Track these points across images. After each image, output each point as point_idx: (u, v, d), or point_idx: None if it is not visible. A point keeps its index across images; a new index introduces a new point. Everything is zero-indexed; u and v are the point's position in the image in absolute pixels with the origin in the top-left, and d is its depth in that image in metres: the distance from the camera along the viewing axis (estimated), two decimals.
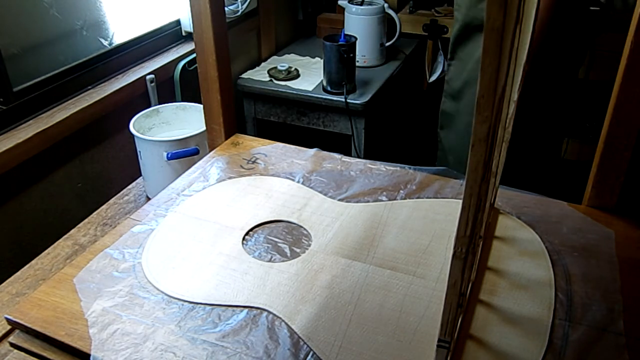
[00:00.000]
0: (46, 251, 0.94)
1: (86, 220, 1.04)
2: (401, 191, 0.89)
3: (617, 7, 1.88)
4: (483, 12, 1.37)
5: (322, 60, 1.72)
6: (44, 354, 0.66)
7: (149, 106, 1.26)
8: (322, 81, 1.76)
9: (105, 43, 1.42)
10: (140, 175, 1.13)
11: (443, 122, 1.49)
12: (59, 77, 1.27)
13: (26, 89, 1.20)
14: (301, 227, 0.82)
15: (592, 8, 1.35)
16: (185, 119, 1.18)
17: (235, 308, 0.68)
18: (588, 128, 2.03)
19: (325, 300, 0.68)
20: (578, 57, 1.34)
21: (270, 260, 0.76)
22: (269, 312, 0.67)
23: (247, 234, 0.81)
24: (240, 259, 0.76)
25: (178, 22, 1.63)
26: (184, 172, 0.97)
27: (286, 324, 0.65)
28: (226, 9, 1.60)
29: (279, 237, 0.80)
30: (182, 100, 1.48)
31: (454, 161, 1.45)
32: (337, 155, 0.99)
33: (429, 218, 0.82)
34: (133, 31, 1.49)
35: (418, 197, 0.87)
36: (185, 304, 0.69)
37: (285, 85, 1.78)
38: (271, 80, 1.82)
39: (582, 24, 1.29)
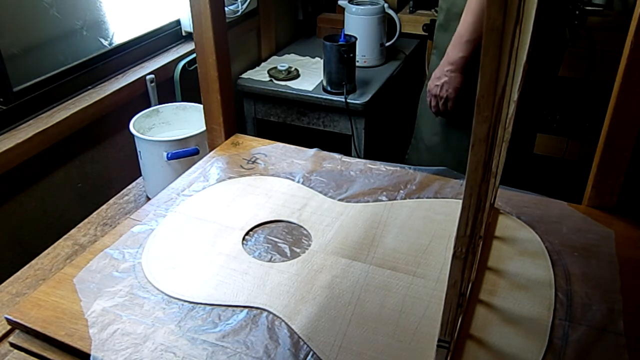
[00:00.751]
0: (46, 251, 0.94)
1: (86, 220, 1.04)
2: (401, 191, 0.89)
3: (616, 9, 1.88)
4: None
5: (322, 60, 1.72)
6: (44, 354, 0.66)
7: (149, 106, 1.26)
8: (322, 81, 1.76)
9: (105, 43, 1.42)
10: (140, 175, 1.13)
11: (421, 109, 1.50)
12: (59, 77, 1.27)
13: (26, 89, 1.20)
14: (301, 227, 0.82)
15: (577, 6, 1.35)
16: (185, 119, 1.18)
17: (235, 308, 0.68)
18: (588, 128, 2.03)
19: (325, 300, 0.68)
20: (555, 56, 1.35)
21: (270, 260, 0.76)
22: (269, 312, 0.67)
23: (247, 234, 0.81)
24: (240, 259, 0.76)
25: (178, 22, 1.63)
26: (184, 172, 0.97)
27: (286, 324, 0.65)
28: (226, 9, 1.60)
29: (279, 237, 0.80)
30: (182, 100, 1.48)
31: (424, 148, 1.46)
32: (337, 155, 0.99)
33: (429, 218, 0.82)
34: (133, 31, 1.49)
35: (418, 197, 0.87)
36: (185, 304, 0.69)
37: (285, 85, 1.78)
38: (271, 80, 1.82)
39: (560, 22, 1.30)
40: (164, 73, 1.50)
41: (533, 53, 1.19)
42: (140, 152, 1.09)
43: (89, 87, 1.34)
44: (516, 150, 1.41)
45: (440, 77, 1.29)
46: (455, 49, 1.24)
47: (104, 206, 1.08)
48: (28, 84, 1.20)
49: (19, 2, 1.20)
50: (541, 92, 1.38)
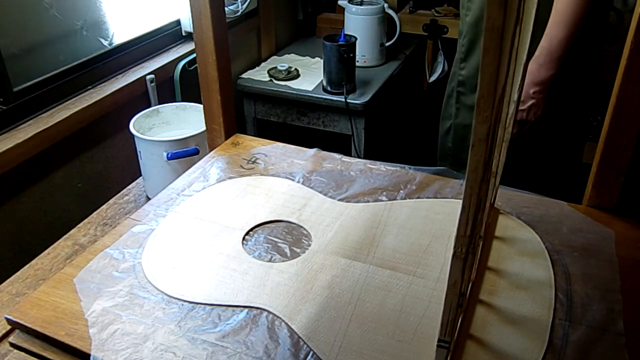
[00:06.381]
0: (46, 251, 0.94)
1: (86, 220, 1.04)
2: (401, 191, 0.89)
3: (616, 8, 1.88)
4: None
5: (322, 60, 1.73)
6: (44, 354, 0.66)
7: (149, 106, 1.26)
8: (322, 81, 1.76)
9: (105, 43, 1.42)
10: (140, 175, 1.13)
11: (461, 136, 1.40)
12: (59, 77, 1.27)
13: (26, 89, 1.20)
14: (301, 227, 0.82)
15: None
16: (185, 119, 1.18)
17: (235, 308, 0.68)
18: (588, 128, 2.03)
19: (325, 300, 0.68)
20: (599, 60, 1.31)
21: (270, 260, 0.76)
22: (269, 312, 0.67)
23: (247, 234, 0.81)
24: (240, 259, 0.76)
25: (178, 22, 1.63)
26: (184, 172, 0.97)
27: (286, 324, 0.65)
28: (226, 9, 1.60)
29: (279, 237, 0.80)
30: (182, 100, 1.48)
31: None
32: (337, 155, 0.99)
33: (429, 218, 0.82)
34: (133, 31, 1.50)
35: (418, 197, 0.87)
36: (185, 304, 0.69)
37: (285, 85, 1.78)
38: (271, 80, 1.82)
39: (605, 23, 1.27)
40: (164, 73, 1.50)
41: (573, 57, 1.15)
42: (140, 152, 1.09)
43: (89, 87, 1.34)
44: (564, 160, 1.37)
45: (525, 101, 1.19)
46: (543, 68, 1.15)
47: (104, 206, 1.08)
48: (28, 84, 1.20)
49: (19, 2, 1.20)
50: (587, 95, 1.31)
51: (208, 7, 0.91)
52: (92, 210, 1.07)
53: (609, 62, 1.29)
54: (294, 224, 0.83)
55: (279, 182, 0.92)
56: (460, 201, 0.45)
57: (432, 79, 2.12)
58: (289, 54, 2.04)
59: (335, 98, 1.70)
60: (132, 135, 1.07)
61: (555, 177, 1.37)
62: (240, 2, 1.73)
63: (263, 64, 1.95)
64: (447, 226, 0.80)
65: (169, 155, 1.04)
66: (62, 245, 0.96)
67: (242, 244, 0.79)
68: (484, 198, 0.54)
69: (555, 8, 1.13)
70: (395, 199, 0.87)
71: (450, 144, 1.44)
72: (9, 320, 0.68)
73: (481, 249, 0.74)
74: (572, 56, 1.15)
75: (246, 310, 0.68)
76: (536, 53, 1.15)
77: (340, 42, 1.66)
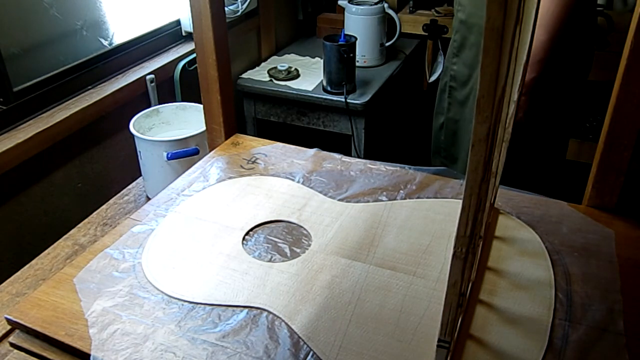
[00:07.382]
0: (46, 251, 0.94)
1: (86, 220, 1.04)
2: (401, 191, 0.89)
3: (616, 9, 1.88)
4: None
5: (322, 60, 1.72)
6: (44, 354, 0.66)
7: (149, 106, 1.26)
8: (322, 81, 1.76)
9: (105, 43, 1.42)
10: (140, 175, 1.13)
11: (461, 126, 1.43)
12: (59, 77, 1.27)
13: (26, 89, 1.20)
14: (301, 227, 0.82)
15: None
16: (185, 119, 1.19)
17: (235, 308, 0.68)
18: (588, 128, 2.03)
19: (325, 300, 0.68)
20: (588, 60, 1.32)
21: (270, 260, 0.76)
22: (269, 312, 0.67)
23: (247, 234, 0.81)
24: (240, 259, 0.76)
25: (178, 22, 1.63)
26: (184, 172, 0.97)
27: (286, 324, 0.65)
28: (226, 9, 1.60)
29: (279, 237, 0.80)
30: (182, 100, 1.48)
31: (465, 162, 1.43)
32: (337, 155, 0.99)
33: (429, 218, 0.82)
34: (133, 31, 1.50)
35: (418, 197, 0.87)
36: (185, 304, 0.69)
37: (285, 85, 1.78)
38: (271, 80, 1.82)
39: (593, 27, 1.28)
40: (164, 73, 1.50)
41: (569, 59, 1.14)
42: (140, 152, 1.09)
43: (89, 87, 1.34)
44: (548, 157, 1.38)
45: None
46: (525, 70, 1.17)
47: (104, 206, 1.08)
48: (28, 84, 1.20)
49: (19, 2, 1.20)
50: (571, 96, 1.31)
51: (208, 7, 0.91)
52: (92, 210, 1.07)
53: (609, 62, 1.30)
54: (294, 224, 0.83)
55: (279, 182, 0.92)
56: (460, 201, 0.45)
57: (432, 78, 2.12)
58: (289, 54, 2.04)
59: (335, 98, 1.70)
60: (132, 135, 1.07)
61: (538, 175, 1.37)
62: (240, 2, 1.73)
63: (263, 64, 1.95)
64: (447, 226, 0.80)
65: (169, 155, 1.04)
66: (62, 245, 0.96)
67: (242, 244, 0.79)
68: (484, 198, 0.54)
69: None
70: (395, 199, 0.87)
71: (443, 138, 1.45)
72: (9, 320, 0.68)
73: (481, 249, 0.74)
74: (556, 59, 1.16)
75: (246, 310, 0.68)
76: None
77: (340, 42, 1.66)
